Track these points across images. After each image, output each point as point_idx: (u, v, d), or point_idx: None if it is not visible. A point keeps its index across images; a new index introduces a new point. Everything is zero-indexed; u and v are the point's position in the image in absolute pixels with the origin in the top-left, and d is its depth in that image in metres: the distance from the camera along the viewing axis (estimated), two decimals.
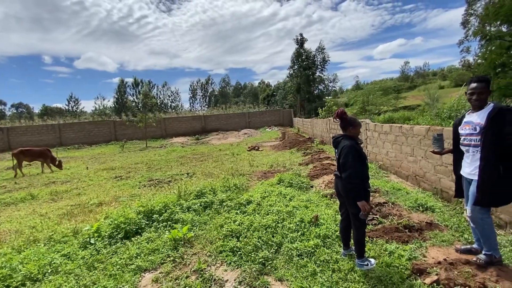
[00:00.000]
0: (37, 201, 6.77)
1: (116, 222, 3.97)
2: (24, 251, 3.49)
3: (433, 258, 2.71)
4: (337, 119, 2.80)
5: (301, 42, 36.09)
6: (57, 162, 11.39)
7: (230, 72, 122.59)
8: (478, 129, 2.37)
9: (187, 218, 4.14)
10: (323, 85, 38.82)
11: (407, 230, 3.34)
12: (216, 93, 69.49)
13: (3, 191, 8.17)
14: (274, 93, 46.34)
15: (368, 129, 7.65)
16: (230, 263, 3.01)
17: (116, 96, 59.48)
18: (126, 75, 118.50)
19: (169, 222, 4.11)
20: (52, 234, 4.02)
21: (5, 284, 2.80)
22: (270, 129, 27.63)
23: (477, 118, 2.42)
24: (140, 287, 2.77)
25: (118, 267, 3.07)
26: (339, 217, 3.13)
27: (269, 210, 4.20)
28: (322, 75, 37.87)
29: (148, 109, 22.23)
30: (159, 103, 61.15)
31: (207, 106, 64.98)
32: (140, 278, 2.90)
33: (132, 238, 3.79)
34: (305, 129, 20.26)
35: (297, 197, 4.77)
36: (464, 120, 2.58)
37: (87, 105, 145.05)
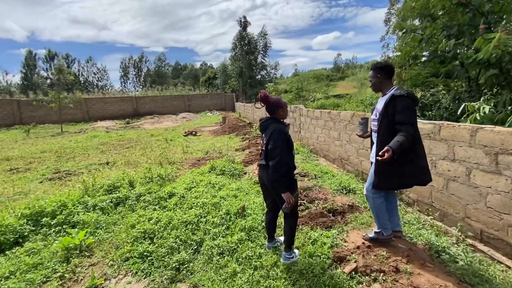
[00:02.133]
0: None
1: None
2: None
3: (353, 242, 2.71)
4: (262, 104, 2.48)
5: (244, 25, 35.08)
6: None
7: (170, 51, 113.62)
8: (377, 115, 2.37)
9: (89, 220, 3.39)
10: (265, 71, 39.02)
11: (331, 214, 3.34)
12: (151, 72, 63.53)
13: None
14: (216, 76, 44.67)
15: (301, 114, 7.75)
16: (136, 272, 2.50)
17: (24, 71, 49.24)
18: (40, 46, 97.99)
19: (64, 226, 3.30)
20: None
21: None
22: (211, 113, 26.68)
23: (379, 104, 2.42)
24: None
25: None
26: None
27: (194, 203, 3.75)
28: (264, 61, 37.98)
29: (63, 87, 18.77)
30: (82, 81, 53.09)
31: (141, 86, 59.09)
32: None
33: (7, 252, 2.90)
34: (246, 114, 20.10)
35: (227, 186, 4.43)
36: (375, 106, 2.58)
37: None
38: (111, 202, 3.88)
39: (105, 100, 25.08)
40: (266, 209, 2.73)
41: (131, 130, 15.75)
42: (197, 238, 2.92)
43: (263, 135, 2.50)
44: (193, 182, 4.58)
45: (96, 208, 3.72)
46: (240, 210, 3.35)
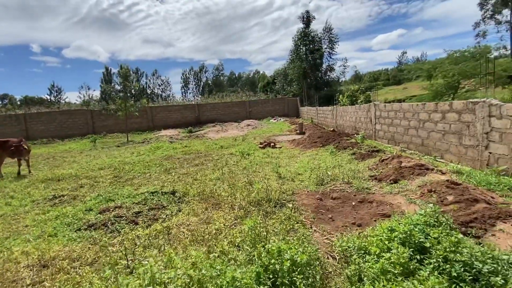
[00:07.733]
0: None
1: None
2: None
3: None
4: None
5: (307, 20, 31.90)
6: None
7: (224, 62, 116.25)
8: None
9: None
10: (332, 71, 34.67)
11: None
12: (210, 82, 64.92)
13: None
14: (275, 80, 42.23)
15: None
16: None
17: (102, 86, 54.86)
18: (117, 65, 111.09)
19: None
20: None
21: None
22: (275, 120, 23.93)
23: None
24: None
25: None
26: None
27: None
28: (330, 60, 33.94)
29: (129, 96, 18.19)
30: (148, 92, 56.70)
31: (200, 96, 60.52)
32: None
33: None
34: (323, 120, 16.62)
35: None
36: None
37: (73, 96, 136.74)
38: None
39: (168, 108, 24.53)
40: None
41: (196, 140, 13.77)
42: None
43: None
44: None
45: None
46: None
